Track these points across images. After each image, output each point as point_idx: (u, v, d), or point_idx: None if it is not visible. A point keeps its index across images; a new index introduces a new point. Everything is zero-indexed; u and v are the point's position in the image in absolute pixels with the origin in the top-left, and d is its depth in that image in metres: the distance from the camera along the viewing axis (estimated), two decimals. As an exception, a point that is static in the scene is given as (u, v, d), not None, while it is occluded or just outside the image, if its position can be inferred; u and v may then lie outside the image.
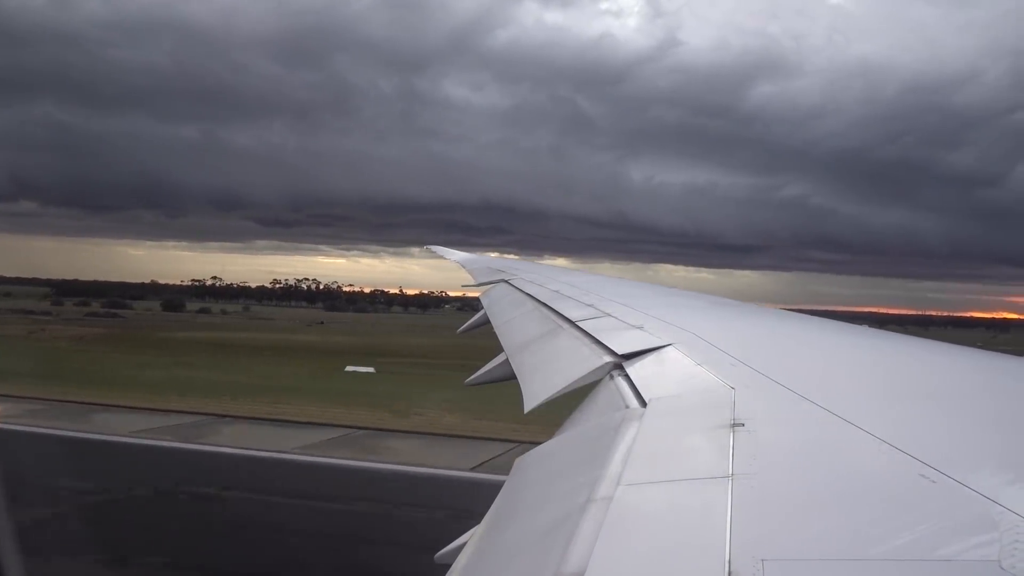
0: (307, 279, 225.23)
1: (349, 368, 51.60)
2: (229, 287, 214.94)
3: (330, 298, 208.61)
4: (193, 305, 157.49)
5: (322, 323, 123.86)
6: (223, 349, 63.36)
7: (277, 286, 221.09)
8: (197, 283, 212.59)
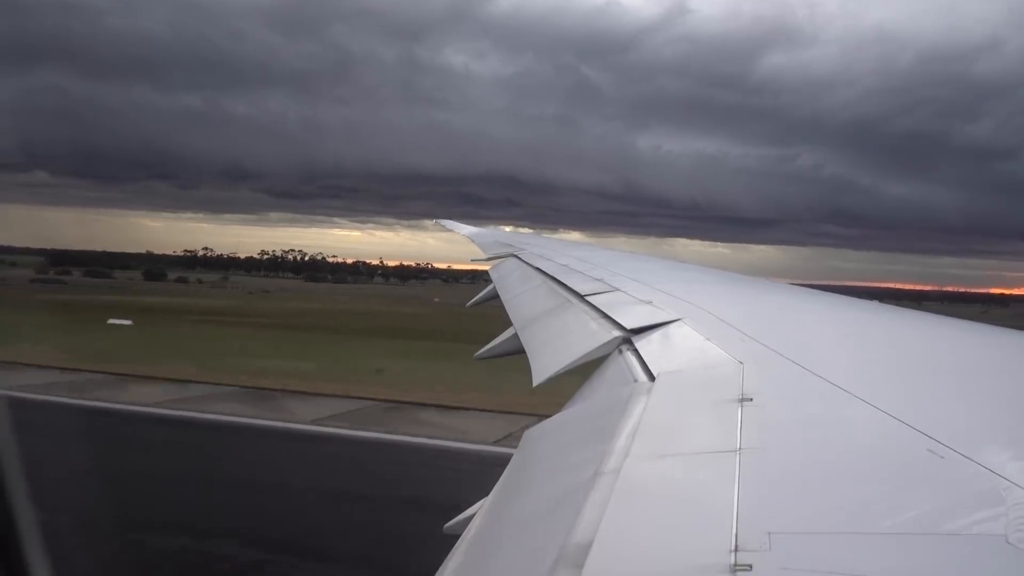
0: (293, 250, 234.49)
1: (111, 320, 53.13)
2: (219, 257, 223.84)
3: (314, 269, 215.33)
4: (188, 274, 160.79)
5: (268, 292, 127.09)
6: (94, 310, 63.01)
7: (264, 257, 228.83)
8: (189, 253, 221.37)
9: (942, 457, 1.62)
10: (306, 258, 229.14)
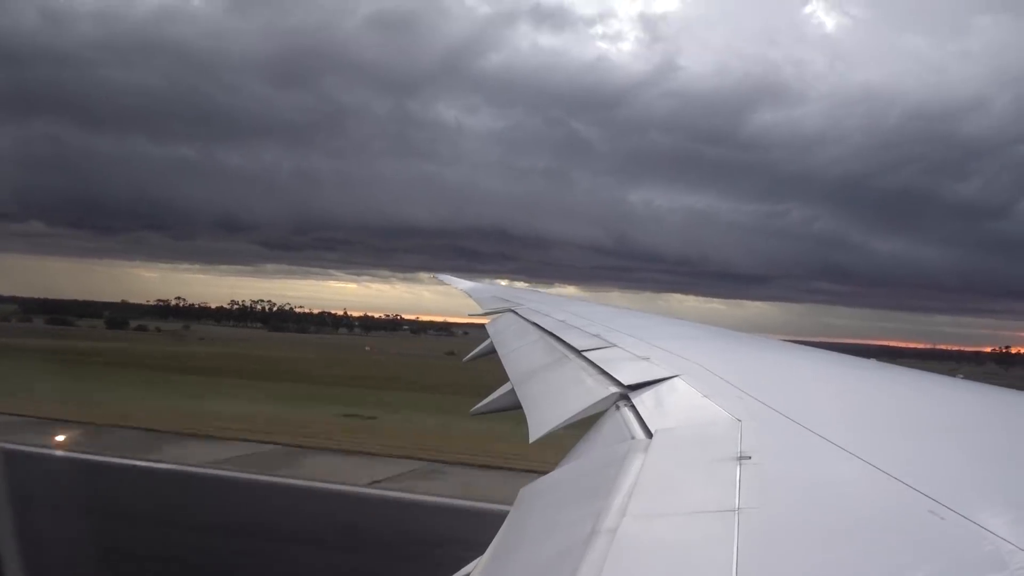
0: (262, 300, 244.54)
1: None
2: (191, 307, 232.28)
3: (280, 319, 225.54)
4: (152, 323, 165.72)
5: (204, 339, 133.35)
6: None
7: (235, 307, 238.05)
8: (162, 303, 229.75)
9: (943, 519, 1.60)
10: (274, 308, 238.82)
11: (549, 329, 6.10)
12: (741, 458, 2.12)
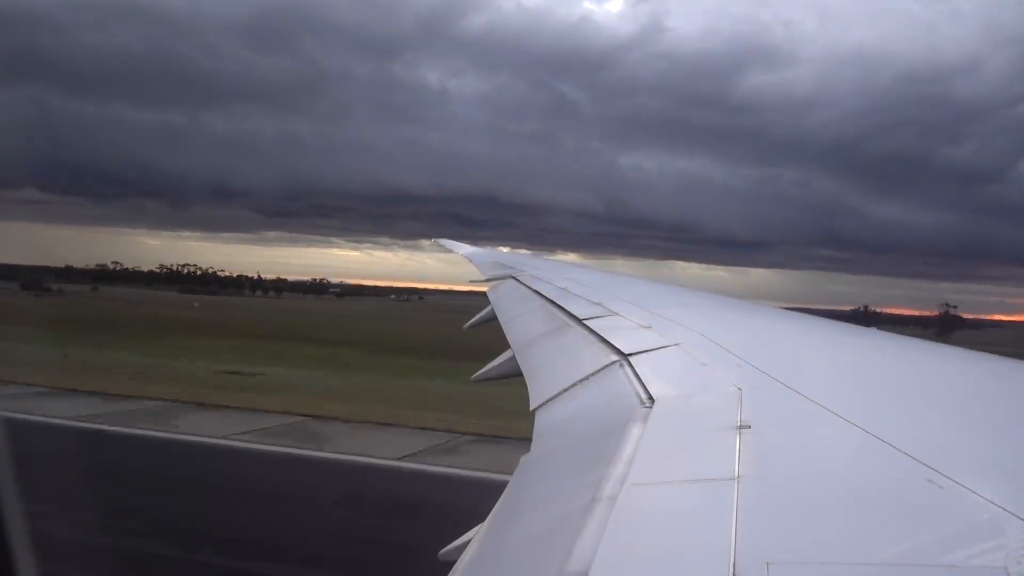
0: (188, 265, 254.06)
1: None
2: (126, 271, 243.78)
3: (205, 283, 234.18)
4: (73, 286, 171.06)
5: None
6: None
7: (164, 271, 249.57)
8: (100, 267, 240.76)
9: (941, 487, 1.61)
10: (200, 271, 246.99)
11: (550, 297, 6.10)
12: (741, 427, 2.12)
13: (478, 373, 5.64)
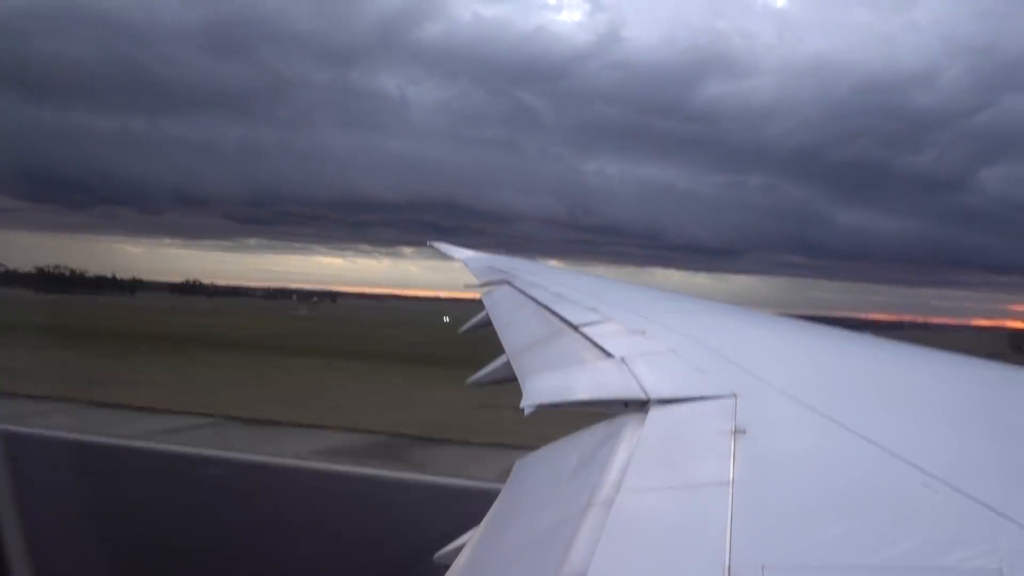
0: (60, 266, 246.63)
1: None
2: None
3: (72, 283, 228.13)
4: None
5: None
6: None
7: (39, 272, 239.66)
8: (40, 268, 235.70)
9: (936, 491, 1.62)
10: (67, 273, 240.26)
11: (545, 303, 6.10)
12: (736, 432, 2.13)
13: (473, 377, 5.63)
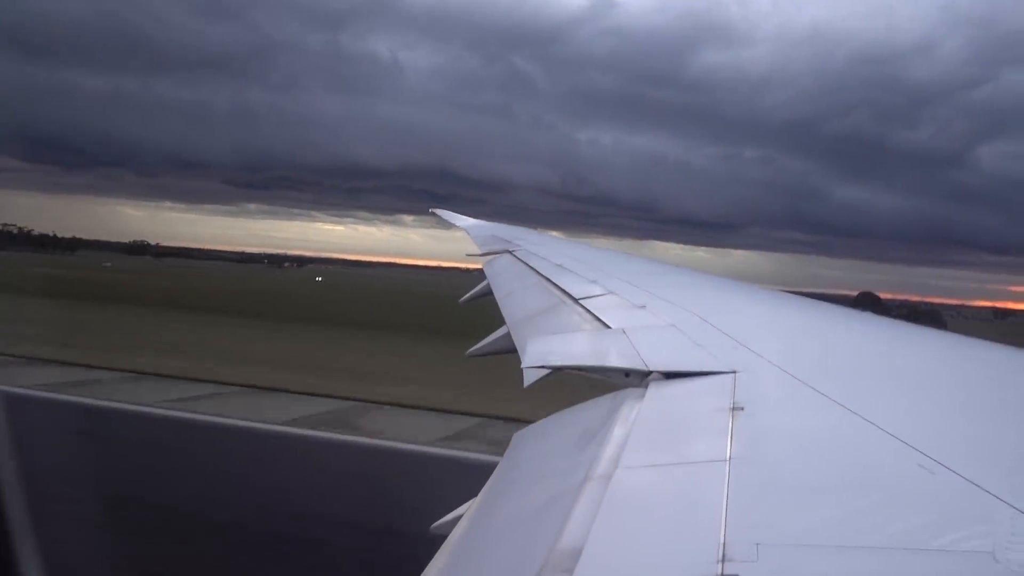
0: (8, 224, 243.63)
1: None
2: None
3: (15, 241, 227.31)
4: None
5: None
6: None
7: None
8: None
9: (932, 472, 1.63)
10: (15, 230, 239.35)
11: (546, 274, 6.09)
12: (734, 409, 2.13)
13: (473, 348, 5.64)
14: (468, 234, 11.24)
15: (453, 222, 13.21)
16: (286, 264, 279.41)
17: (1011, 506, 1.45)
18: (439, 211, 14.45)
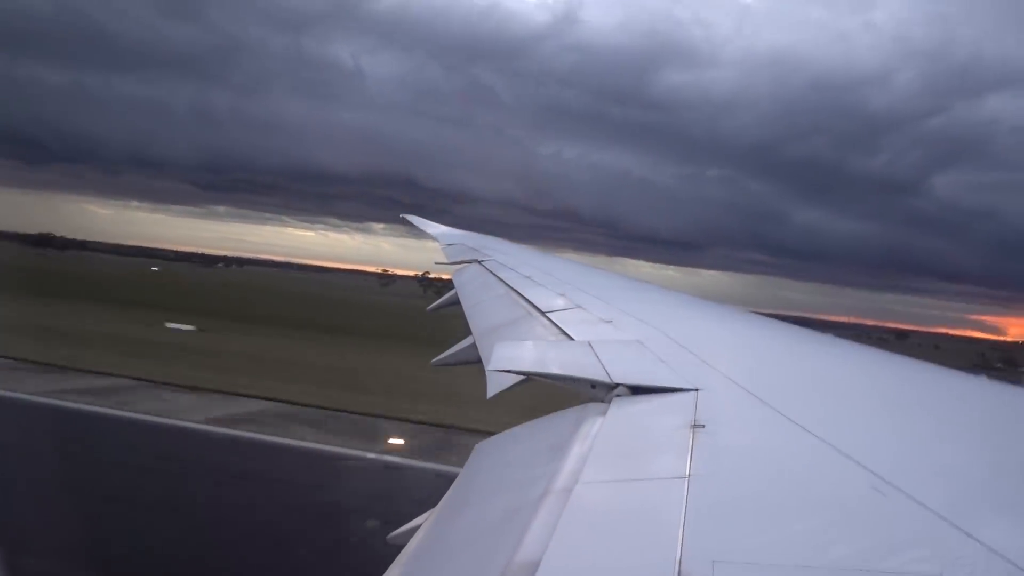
0: None
1: None
2: None
3: None
4: None
5: None
6: None
7: None
8: None
9: (885, 495, 1.66)
10: None
11: (514, 286, 6.10)
12: (695, 426, 2.15)
13: (439, 358, 5.62)
14: (439, 242, 11.17)
15: (424, 229, 13.09)
16: (219, 264, 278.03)
17: (960, 529, 1.48)
18: (410, 217, 14.31)
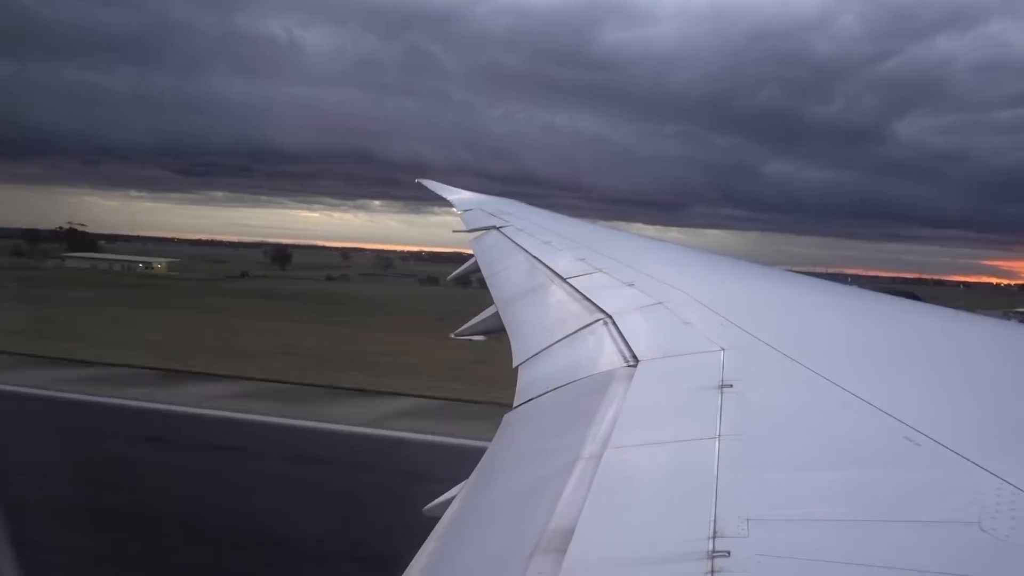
0: None
1: None
2: None
3: None
4: None
5: None
6: None
7: None
8: None
9: (918, 445, 1.64)
10: None
11: (534, 253, 6.07)
12: (723, 386, 2.14)
13: (461, 329, 5.63)
14: (456, 208, 10.91)
15: (441, 194, 12.56)
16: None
17: (996, 476, 1.47)
18: (427, 182, 13.57)
